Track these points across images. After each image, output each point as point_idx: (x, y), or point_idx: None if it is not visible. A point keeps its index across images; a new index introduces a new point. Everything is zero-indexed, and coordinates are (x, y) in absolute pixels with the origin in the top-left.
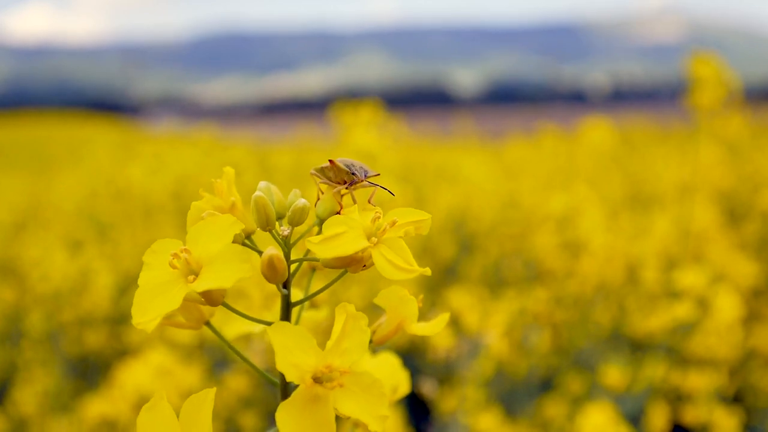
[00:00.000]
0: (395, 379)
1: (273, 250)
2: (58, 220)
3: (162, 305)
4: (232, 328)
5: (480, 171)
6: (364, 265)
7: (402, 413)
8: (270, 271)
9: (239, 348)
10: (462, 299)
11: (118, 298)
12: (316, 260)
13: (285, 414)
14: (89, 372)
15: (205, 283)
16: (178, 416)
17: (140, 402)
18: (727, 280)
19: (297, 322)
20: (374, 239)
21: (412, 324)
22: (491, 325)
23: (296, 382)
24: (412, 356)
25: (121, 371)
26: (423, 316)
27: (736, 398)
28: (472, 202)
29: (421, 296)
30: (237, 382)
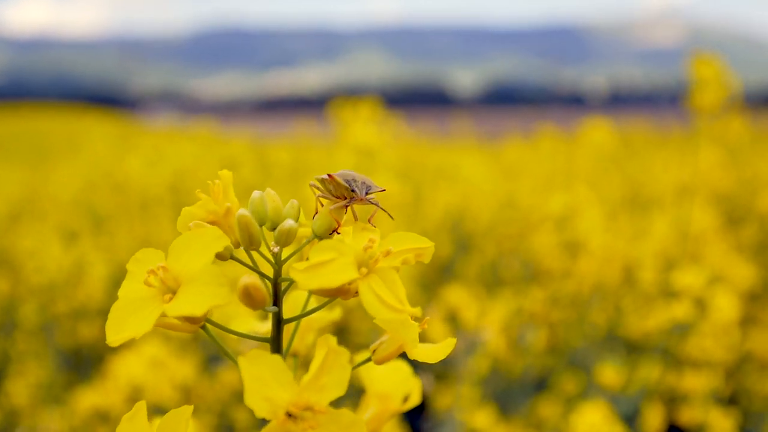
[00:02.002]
0: (406, 387)
1: (248, 278)
2: (55, 212)
3: (136, 325)
4: (235, 326)
5: (478, 171)
6: (356, 293)
7: None
8: (247, 300)
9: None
10: (459, 295)
11: (112, 290)
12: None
13: None
14: (82, 364)
15: (176, 308)
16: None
17: (133, 394)
18: (725, 281)
19: (292, 336)
20: (364, 269)
21: (413, 349)
22: (488, 323)
23: (267, 418)
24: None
25: (115, 363)
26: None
27: (731, 401)
28: (470, 202)
29: (427, 318)
30: (231, 376)
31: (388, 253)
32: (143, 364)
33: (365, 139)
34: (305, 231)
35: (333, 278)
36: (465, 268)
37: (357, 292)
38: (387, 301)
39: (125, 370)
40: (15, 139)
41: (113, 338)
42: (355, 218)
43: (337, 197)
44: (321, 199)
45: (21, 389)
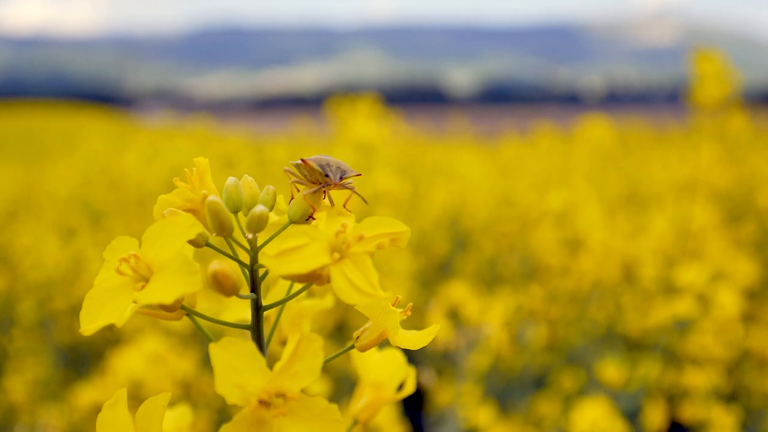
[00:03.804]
0: (400, 376)
1: (216, 265)
2: (51, 208)
3: (109, 314)
4: (228, 314)
5: (476, 169)
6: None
7: (397, 406)
8: (217, 287)
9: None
10: (461, 291)
11: None
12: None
13: None
14: (80, 361)
15: (146, 296)
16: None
17: (133, 390)
18: (726, 278)
19: (277, 319)
20: (336, 255)
21: (395, 336)
22: (490, 318)
23: (240, 404)
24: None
25: (115, 358)
26: (418, 310)
27: (732, 398)
28: (468, 200)
29: (410, 305)
30: None
31: (361, 238)
32: (143, 359)
33: (364, 135)
34: (285, 218)
35: (304, 264)
36: (463, 266)
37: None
38: (358, 286)
39: (125, 365)
40: (11, 137)
41: (87, 327)
42: (332, 203)
43: (312, 182)
44: (296, 184)
45: (19, 386)
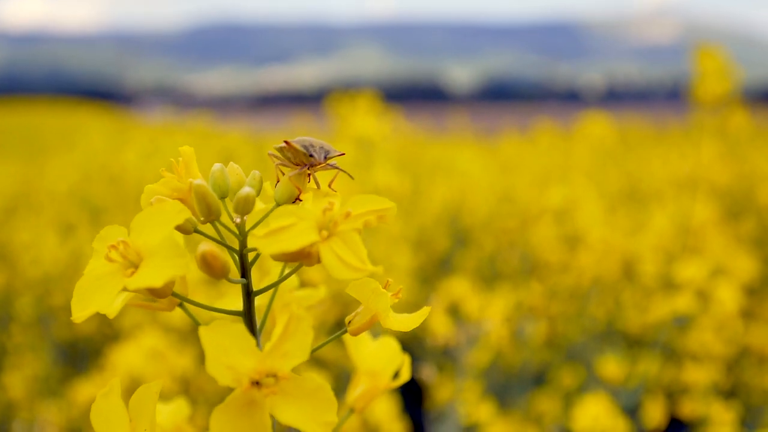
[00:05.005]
0: (395, 364)
1: (205, 246)
2: (51, 205)
3: (100, 301)
4: (223, 303)
5: (475, 166)
6: (319, 258)
7: (397, 402)
8: (206, 268)
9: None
10: (461, 287)
11: None
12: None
13: (219, 419)
14: (79, 357)
15: (136, 281)
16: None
17: (132, 385)
18: (726, 274)
19: (269, 307)
20: (325, 232)
21: (386, 318)
22: (490, 314)
23: (231, 386)
24: (409, 345)
25: (114, 354)
26: (419, 306)
27: (731, 395)
28: (468, 196)
29: (401, 287)
30: None
31: (348, 216)
32: (142, 355)
33: (364, 132)
34: (272, 204)
35: (293, 242)
36: (463, 262)
37: (321, 260)
38: (348, 262)
39: (124, 361)
40: (11, 133)
41: (78, 314)
42: (317, 184)
43: (297, 164)
44: (281, 167)
45: (18, 382)
